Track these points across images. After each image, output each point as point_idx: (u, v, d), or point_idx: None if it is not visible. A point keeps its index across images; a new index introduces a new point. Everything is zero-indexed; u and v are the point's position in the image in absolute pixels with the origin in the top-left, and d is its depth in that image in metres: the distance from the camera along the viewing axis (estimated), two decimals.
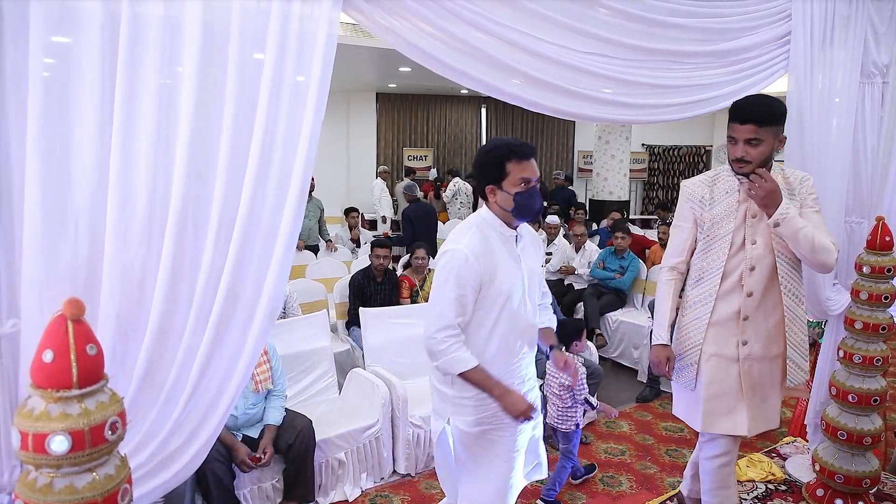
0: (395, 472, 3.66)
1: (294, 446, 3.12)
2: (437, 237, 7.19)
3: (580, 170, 13.78)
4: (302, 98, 1.77)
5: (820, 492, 3.08)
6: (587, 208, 10.14)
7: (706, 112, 2.60)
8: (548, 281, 6.16)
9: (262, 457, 3.00)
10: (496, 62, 2.00)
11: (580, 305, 5.97)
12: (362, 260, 5.94)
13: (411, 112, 12.79)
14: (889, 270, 2.86)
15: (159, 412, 1.62)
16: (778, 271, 2.41)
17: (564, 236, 6.85)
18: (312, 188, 6.64)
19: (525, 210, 2.12)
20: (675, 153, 13.93)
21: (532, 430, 2.36)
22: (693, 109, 2.52)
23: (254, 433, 3.13)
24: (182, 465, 1.64)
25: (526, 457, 2.38)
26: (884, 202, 3.16)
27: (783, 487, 3.36)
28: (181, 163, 1.60)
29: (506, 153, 2.08)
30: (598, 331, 5.80)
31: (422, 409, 3.70)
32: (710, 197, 2.45)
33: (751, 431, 2.50)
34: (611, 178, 10.45)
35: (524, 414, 2.10)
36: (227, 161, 1.67)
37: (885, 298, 2.87)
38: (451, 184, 10.39)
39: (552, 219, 6.78)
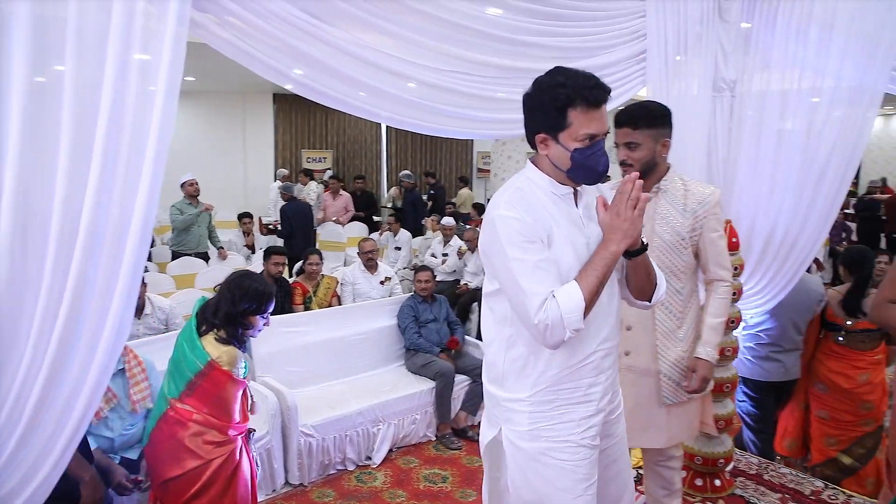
0: (287, 482, 3.64)
1: None
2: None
3: (479, 170, 14.07)
4: (150, 93, 1.74)
5: (683, 473, 3.34)
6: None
7: None
8: (443, 282, 6.36)
9: (144, 479, 2.90)
10: (360, 84, 2.04)
11: (475, 305, 6.13)
12: (257, 266, 5.84)
13: (310, 113, 12.59)
14: (736, 269, 3.15)
15: None
16: None
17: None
18: (198, 193, 6.46)
19: (585, 172, 1.65)
20: None
21: (616, 455, 1.86)
22: None
23: (133, 454, 3.01)
24: None
25: (608, 487, 1.87)
26: (731, 207, 3.47)
27: None
28: (12, 160, 1.54)
29: (570, 95, 1.57)
30: None
31: (313, 417, 3.72)
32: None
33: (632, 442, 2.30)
34: (508, 179, 10.74)
35: (629, 233, 1.61)
36: (69, 158, 1.62)
37: (733, 294, 3.15)
38: (309, 185, 10.33)
39: (447, 220, 6.92)
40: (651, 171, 2.32)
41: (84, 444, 2.45)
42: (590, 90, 1.58)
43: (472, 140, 14.22)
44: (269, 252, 5.04)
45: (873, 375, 3.45)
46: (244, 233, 7.83)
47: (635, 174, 1.64)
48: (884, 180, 13.13)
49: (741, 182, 3.47)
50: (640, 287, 1.78)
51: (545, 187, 1.69)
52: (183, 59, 1.78)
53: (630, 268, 1.75)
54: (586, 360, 1.69)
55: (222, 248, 6.85)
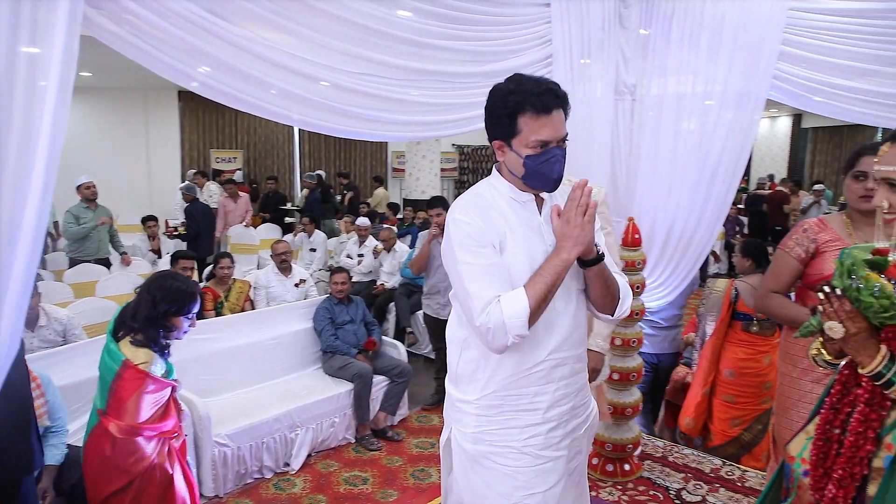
0: (201, 494, 3.51)
1: (80, 486, 2.86)
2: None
3: (394, 169, 14.08)
4: (41, 88, 1.64)
5: (595, 460, 3.49)
6: (401, 207, 10.43)
7: (479, 128, 2.81)
8: (359, 282, 6.32)
9: (42, 502, 2.74)
10: (268, 85, 2.01)
11: (392, 305, 6.13)
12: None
13: (218, 112, 12.15)
14: (638, 264, 3.33)
15: None
16: None
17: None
18: (95, 196, 6.14)
19: (539, 179, 1.64)
20: (484, 153, 14.76)
21: (562, 471, 1.75)
22: (465, 126, 2.72)
23: None
24: None
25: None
26: (634, 204, 3.66)
27: None
28: None
29: (519, 102, 1.57)
30: (409, 329, 5.99)
31: (227, 426, 3.62)
32: None
33: None
34: (423, 178, 10.81)
35: (580, 240, 1.58)
36: None
37: (637, 288, 3.32)
38: (208, 187, 10.10)
39: (362, 220, 6.88)
40: None
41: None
42: (538, 96, 1.56)
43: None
44: (177, 256, 4.85)
45: (774, 357, 3.70)
46: (149, 237, 7.49)
47: (584, 180, 1.61)
48: (771, 177, 14.17)
49: (643, 180, 3.66)
50: (600, 299, 1.73)
51: (506, 193, 1.69)
52: (76, 53, 1.69)
53: (587, 278, 1.71)
54: (534, 369, 1.67)
55: (125, 253, 6.52)
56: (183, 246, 7.57)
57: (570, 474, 1.78)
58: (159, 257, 7.29)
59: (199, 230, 7.49)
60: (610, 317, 1.78)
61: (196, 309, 2.60)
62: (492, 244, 1.61)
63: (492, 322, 1.54)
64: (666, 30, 3.59)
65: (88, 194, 6.13)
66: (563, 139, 1.63)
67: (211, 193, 9.91)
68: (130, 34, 1.74)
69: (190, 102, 11.76)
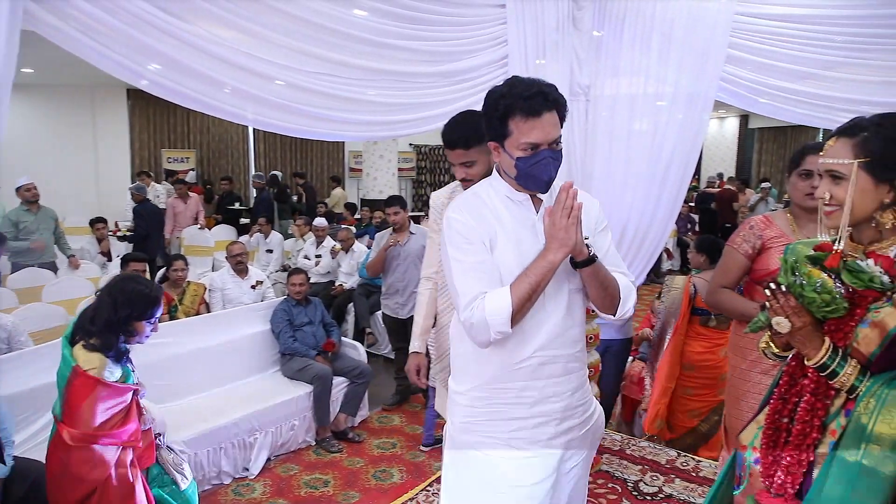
0: None
1: (27, 499, 2.77)
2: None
3: (351, 169, 13.98)
4: None
5: None
6: (358, 207, 10.37)
7: (436, 128, 2.82)
8: (317, 283, 6.26)
9: None
10: (222, 84, 1.98)
11: (351, 306, 6.09)
12: (115, 274, 5.45)
13: (169, 110, 11.83)
14: None
15: None
16: None
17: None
18: (36, 198, 5.94)
19: (530, 180, 1.66)
20: (441, 152, 14.78)
21: (552, 468, 1.75)
22: (422, 125, 2.72)
23: None
24: None
25: None
26: None
27: None
28: None
29: (509, 105, 1.59)
30: (368, 330, 5.96)
31: (184, 432, 3.54)
32: None
33: None
34: (380, 178, 10.76)
35: (565, 242, 1.58)
36: None
37: None
38: (154, 187, 9.92)
39: (320, 221, 6.82)
40: None
41: None
42: (526, 100, 1.58)
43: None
44: (127, 259, 4.74)
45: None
46: (98, 239, 7.26)
47: (569, 183, 1.61)
48: (720, 175, 14.61)
49: (597, 180, 3.73)
50: (598, 299, 1.74)
51: (502, 192, 1.73)
52: (17, 49, 1.62)
53: (582, 279, 1.72)
54: (521, 364, 1.70)
55: (73, 256, 6.30)
56: (131, 247, 7.41)
57: (565, 473, 1.80)
58: (109, 260, 7.10)
59: (149, 230, 7.47)
60: (612, 317, 1.78)
61: (159, 313, 2.54)
62: (482, 242, 1.66)
63: (475, 318, 1.59)
64: (618, 31, 3.66)
65: (29, 196, 5.92)
66: (556, 141, 1.63)
67: (157, 194, 9.67)
68: (76, 30, 1.69)
69: (140, 101, 11.43)
